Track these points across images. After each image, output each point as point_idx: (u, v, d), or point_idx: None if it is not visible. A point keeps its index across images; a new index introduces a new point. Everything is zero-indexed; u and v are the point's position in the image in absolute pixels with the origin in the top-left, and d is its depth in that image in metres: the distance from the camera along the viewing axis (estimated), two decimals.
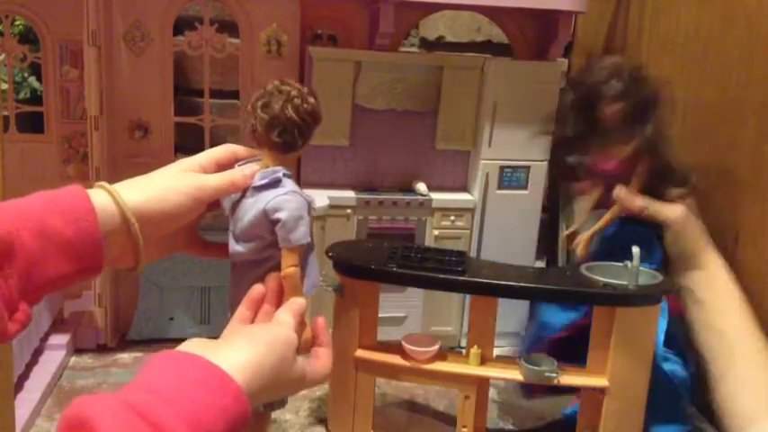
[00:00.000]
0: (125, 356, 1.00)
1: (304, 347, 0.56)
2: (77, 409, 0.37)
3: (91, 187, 0.52)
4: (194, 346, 0.46)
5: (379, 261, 0.79)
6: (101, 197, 0.51)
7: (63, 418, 0.38)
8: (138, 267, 0.55)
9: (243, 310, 0.57)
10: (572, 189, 1.00)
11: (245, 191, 0.60)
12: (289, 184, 0.59)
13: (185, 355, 0.44)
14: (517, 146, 1.04)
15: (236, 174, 0.59)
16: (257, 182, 0.59)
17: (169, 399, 0.39)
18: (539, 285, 0.77)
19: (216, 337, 1.11)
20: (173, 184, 0.56)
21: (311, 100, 0.59)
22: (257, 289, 0.58)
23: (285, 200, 0.58)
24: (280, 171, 0.59)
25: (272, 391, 0.49)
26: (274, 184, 0.59)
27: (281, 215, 0.57)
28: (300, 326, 0.56)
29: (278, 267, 0.59)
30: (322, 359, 0.57)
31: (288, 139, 0.58)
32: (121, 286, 1.04)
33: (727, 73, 0.95)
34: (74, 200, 0.49)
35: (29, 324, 0.47)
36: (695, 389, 0.85)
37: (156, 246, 0.57)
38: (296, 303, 0.56)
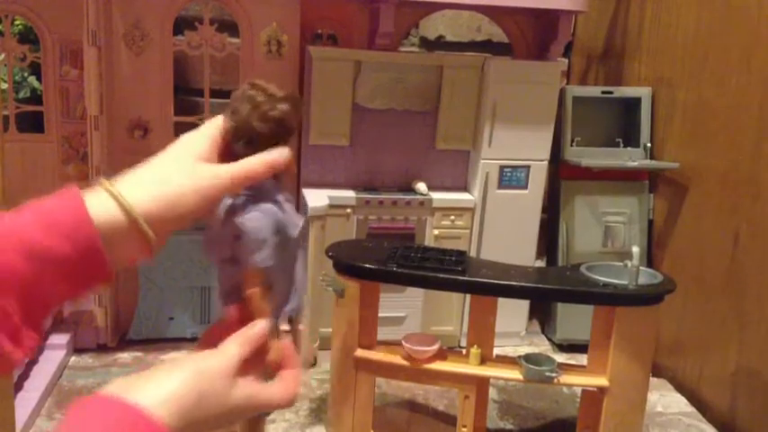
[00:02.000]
0: (125, 356, 1.00)
1: (267, 371, 0.52)
2: None
3: (90, 186, 0.48)
4: (117, 387, 0.41)
5: (379, 261, 0.79)
6: (101, 202, 0.47)
7: None
8: (150, 258, 0.50)
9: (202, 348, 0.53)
10: None
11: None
12: (263, 202, 0.54)
13: (102, 399, 0.40)
14: (517, 145, 1.04)
15: (256, 163, 0.51)
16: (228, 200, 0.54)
17: None
18: (539, 285, 0.77)
19: None
20: (187, 182, 0.50)
21: (281, 106, 0.53)
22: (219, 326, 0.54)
23: (249, 218, 0.53)
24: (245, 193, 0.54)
25: (205, 422, 0.45)
26: (250, 199, 0.54)
27: (243, 235, 0.53)
28: (261, 350, 0.50)
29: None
30: (285, 382, 0.53)
31: (253, 151, 0.51)
32: (121, 286, 1.04)
33: (727, 73, 0.95)
34: (69, 212, 0.45)
35: (36, 348, 0.45)
36: (694, 389, 0.85)
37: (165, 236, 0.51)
38: (251, 329, 0.50)
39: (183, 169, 0.51)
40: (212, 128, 0.53)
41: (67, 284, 0.45)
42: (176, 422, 0.41)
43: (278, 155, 0.52)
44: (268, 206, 0.54)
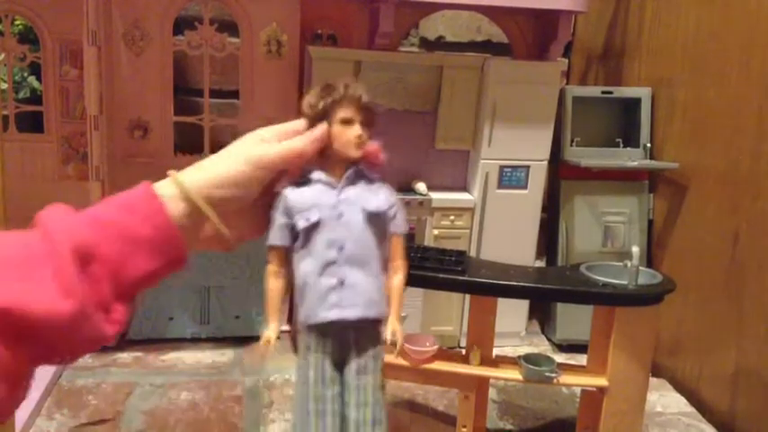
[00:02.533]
0: (125, 356, 1.00)
1: None
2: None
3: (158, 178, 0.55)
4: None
5: None
6: (168, 190, 0.53)
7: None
8: (234, 247, 0.58)
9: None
10: None
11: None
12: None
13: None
14: (517, 145, 1.04)
15: (299, 140, 0.58)
16: None
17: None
18: (538, 285, 0.77)
19: (214, 337, 1.11)
20: (238, 163, 0.56)
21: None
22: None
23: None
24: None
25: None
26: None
27: None
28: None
29: None
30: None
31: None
32: None
33: (726, 73, 0.95)
34: (143, 199, 0.51)
35: (126, 322, 0.49)
36: (693, 389, 0.85)
37: (247, 221, 0.59)
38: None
39: (233, 154, 0.56)
40: (271, 129, 0.59)
41: (151, 262, 0.50)
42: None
43: (318, 131, 0.58)
44: (287, 189, 0.59)
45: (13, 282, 0.44)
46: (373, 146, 0.63)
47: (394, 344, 0.57)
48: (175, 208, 0.52)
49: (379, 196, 0.62)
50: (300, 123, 0.59)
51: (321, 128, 0.58)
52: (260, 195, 0.59)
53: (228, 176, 0.55)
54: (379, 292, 0.61)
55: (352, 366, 0.61)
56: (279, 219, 0.60)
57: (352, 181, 0.62)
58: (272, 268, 0.61)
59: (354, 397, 0.61)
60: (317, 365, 0.61)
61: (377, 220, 0.61)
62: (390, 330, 0.58)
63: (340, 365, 0.62)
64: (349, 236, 0.60)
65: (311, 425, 0.61)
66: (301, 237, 0.61)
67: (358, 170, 0.63)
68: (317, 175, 0.61)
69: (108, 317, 0.48)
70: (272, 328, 0.61)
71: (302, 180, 0.61)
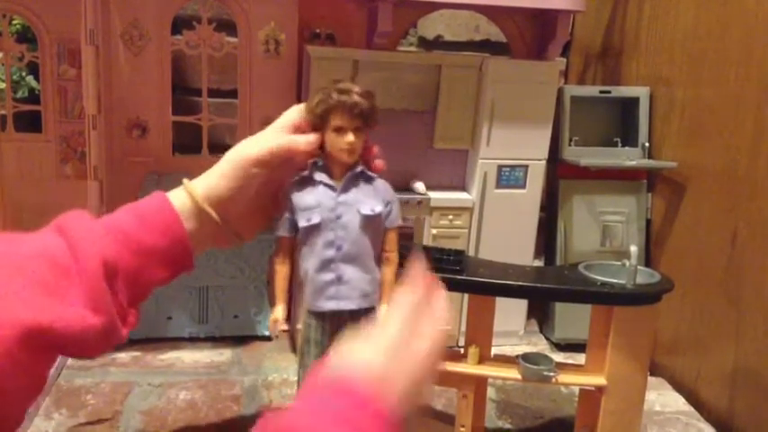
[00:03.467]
0: (123, 356, 1.00)
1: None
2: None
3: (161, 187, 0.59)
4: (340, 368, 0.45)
5: None
6: (181, 199, 0.57)
7: None
8: (241, 242, 0.62)
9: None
10: None
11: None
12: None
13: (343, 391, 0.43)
14: (515, 145, 1.04)
15: (297, 138, 0.64)
16: None
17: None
18: (537, 284, 0.77)
19: (213, 337, 1.11)
20: (236, 160, 0.60)
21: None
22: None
23: None
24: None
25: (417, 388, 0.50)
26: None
27: None
28: None
29: None
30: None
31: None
32: None
33: (725, 73, 0.95)
34: (162, 213, 0.55)
35: (136, 324, 0.54)
36: (692, 388, 0.85)
37: (250, 218, 0.63)
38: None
39: (232, 156, 0.60)
40: (271, 128, 0.64)
41: (162, 271, 0.54)
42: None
43: (306, 138, 0.63)
44: (293, 186, 0.66)
45: (45, 299, 0.45)
46: (373, 150, 0.67)
47: None
48: (187, 217, 0.56)
49: (375, 198, 0.67)
50: (294, 113, 0.65)
51: (312, 135, 0.63)
52: (258, 196, 0.62)
53: (227, 177, 0.59)
54: (372, 284, 0.67)
55: None
56: (284, 213, 0.67)
57: (352, 183, 0.66)
58: (278, 256, 0.68)
59: None
60: (319, 343, 0.69)
61: (372, 221, 0.66)
62: (383, 315, 0.64)
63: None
64: (346, 237, 0.66)
65: None
66: (303, 235, 0.66)
67: (356, 173, 0.67)
68: (319, 176, 0.67)
69: (124, 321, 0.51)
70: (278, 309, 0.68)
71: (307, 178, 0.66)
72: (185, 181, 0.59)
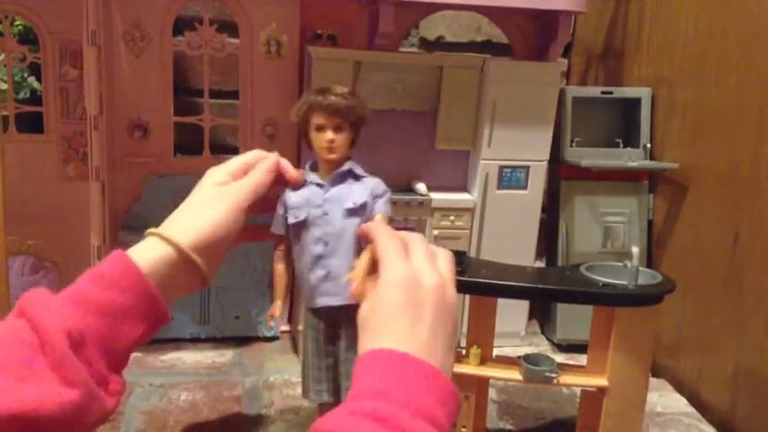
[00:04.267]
0: None
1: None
2: (320, 430, 0.39)
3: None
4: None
5: None
6: (151, 247, 0.54)
7: None
8: (207, 286, 0.59)
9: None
10: None
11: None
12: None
13: (377, 352, 0.45)
14: (516, 146, 1.04)
15: (258, 175, 0.61)
16: None
17: (387, 396, 0.41)
18: (538, 285, 0.77)
19: (214, 337, 1.11)
20: (216, 215, 0.58)
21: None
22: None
23: None
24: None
25: (450, 347, 0.52)
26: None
27: None
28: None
29: None
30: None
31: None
32: None
33: (727, 73, 0.95)
34: (120, 271, 0.52)
35: (123, 391, 0.50)
36: (693, 389, 0.85)
37: (216, 258, 0.60)
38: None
39: (209, 197, 0.59)
40: (236, 160, 0.62)
41: (135, 328, 0.52)
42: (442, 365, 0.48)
43: (267, 163, 0.62)
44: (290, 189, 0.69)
45: (14, 384, 0.43)
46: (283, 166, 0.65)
47: None
48: (160, 268, 0.54)
49: (361, 193, 0.69)
50: (252, 154, 0.63)
51: (271, 158, 0.62)
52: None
53: (212, 227, 0.57)
54: None
55: (343, 342, 0.72)
56: (279, 211, 0.70)
57: (339, 180, 0.69)
58: (277, 253, 0.72)
59: (344, 369, 0.72)
60: (314, 339, 0.72)
61: (355, 214, 0.68)
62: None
63: (334, 341, 0.72)
64: (332, 232, 0.68)
65: (310, 389, 0.74)
66: (293, 233, 0.68)
67: (344, 171, 0.70)
68: (310, 177, 0.69)
69: (107, 389, 0.48)
70: (276, 305, 0.71)
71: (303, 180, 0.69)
72: (154, 231, 0.56)
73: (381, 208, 0.70)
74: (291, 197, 0.69)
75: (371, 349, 0.45)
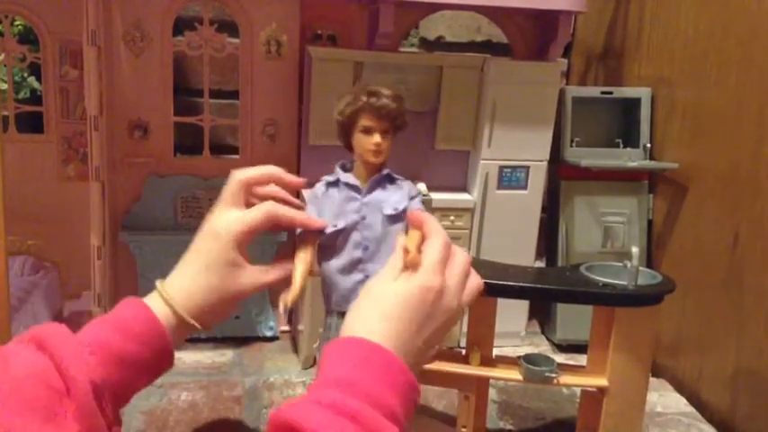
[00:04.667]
0: None
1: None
2: (283, 419, 0.41)
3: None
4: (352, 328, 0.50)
5: None
6: (160, 307, 0.58)
7: (272, 428, 0.42)
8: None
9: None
10: None
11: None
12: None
13: (349, 340, 0.48)
14: (517, 146, 1.04)
15: (260, 209, 0.63)
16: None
17: (351, 384, 0.43)
18: (538, 285, 0.77)
19: (214, 337, 1.11)
20: (215, 284, 0.60)
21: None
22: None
23: None
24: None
25: (424, 350, 0.53)
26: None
27: None
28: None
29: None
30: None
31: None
32: (121, 286, 1.04)
33: (727, 74, 0.95)
34: (144, 324, 0.55)
35: None
36: (693, 389, 0.85)
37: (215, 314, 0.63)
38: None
39: (213, 253, 0.60)
40: (229, 188, 0.64)
41: (145, 379, 0.55)
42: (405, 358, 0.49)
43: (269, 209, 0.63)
44: (320, 187, 0.69)
45: (39, 426, 0.44)
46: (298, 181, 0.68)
47: None
48: (169, 325, 0.57)
49: (399, 196, 0.68)
50: (232, 183, 0.64)
51: (268, 206, 0.63)
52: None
53: (212, 287, 0.59)
54: None
55: None
56: (310, 211, 0.67)
57: (377, 185, 0.68)
58: (300, 253, 0.66)
59: None
60: None
61: (396, 220, 0.67)
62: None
63: None
64: (372, 236, 0.67)
65: None
66: (328, 238, 0.66)
67: (382, 176, 0.68)
68: (344, 177, 0.67)
69: None
70: (294, 290, 0.65)
71: (332, 182, 0.67)
72: (160, 287, 0.60)
73: (417, 206, 0.70)
74: (324, 201, 0.68)
75: (349, 337, 0.48)
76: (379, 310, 0.50)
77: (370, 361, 0.46)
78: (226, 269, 0.60)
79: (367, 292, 0.53)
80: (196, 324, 0.58)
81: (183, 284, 0.60)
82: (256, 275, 0.62)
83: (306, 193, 0.67)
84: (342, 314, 0.68)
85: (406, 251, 0.53)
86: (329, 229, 0.66)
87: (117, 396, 0.51)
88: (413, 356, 0.50)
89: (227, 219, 0.61)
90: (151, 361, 0.54)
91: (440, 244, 0.54)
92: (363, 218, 0.67)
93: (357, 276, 0.68)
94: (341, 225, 0.66)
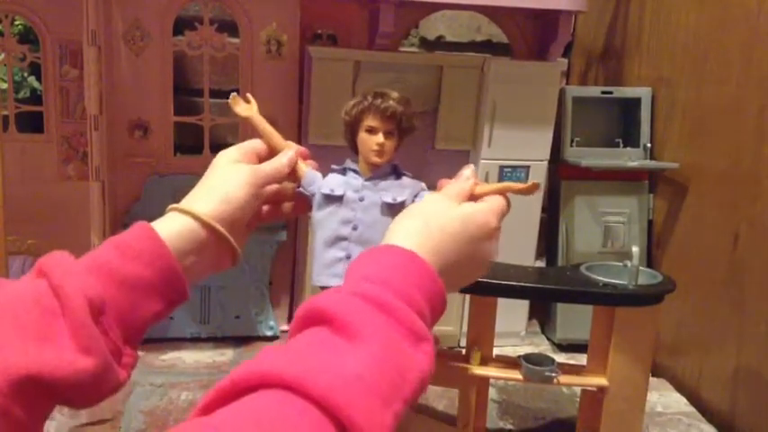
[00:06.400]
0: None
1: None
2: (311, 306, 0.41)
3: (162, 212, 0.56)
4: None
5: None
6: (174, 221, 0.54)
7: (298, 318, 0.42)
8: (237, 263, 0.59)
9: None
10: None
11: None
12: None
13: (387, 247, 0.49)
14: (517, 145, 1.04)
15: (279, 159, 0.64)
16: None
17: (384, 282, 0.44)
18: (539, 285, 0.77)
19: (214, 337, 1.11)
20: (232, 187, 0.58)
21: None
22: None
23: None
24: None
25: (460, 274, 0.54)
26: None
27: None
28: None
29: None
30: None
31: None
32: None
33: (727, 73, 0.95)
34: (144, 242, 0.51)
35: (135, 365, 0.50)
36: (693, 389, 0.85)
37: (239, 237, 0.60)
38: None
39: (227, 173, 0.59)
40: (246, 144, 0.64)
41: (154, 304, 0.51)
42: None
43: (287, 156, 0.65)
44: (328, 174, 0.68)
45: (32, 345, 0.43)
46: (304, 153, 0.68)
47: None
48: (186, 240, 0.53)
49: (400, 189, 0.68)
50: (260, 143, 0.66)
51: (291, 154, 0.65)
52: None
53: (236, 197, 0.57)
54: None
55: None
56: (306, 183, 0.68)
57: (380, 175, 0.68)
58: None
59: None
60: None
61: (392, 210, 0.67)
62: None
63: None
64: (364, 219, 0.67)
65: None
66: (322, 202, 0.66)
67: (386, 169, 0.69)
68: (351, 165, 0.67)
69: (120, 362, 0.47)
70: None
71: (339, 170, 0.68)
72: (176, 207, 0.56)
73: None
74: (328, 179, 0.68)
75: (386, 245, 0.49)
76: (433, 226, 0.51)
77: (407, 266, 0.46)
78: (242, 174, 0.59)
79: (418, 209, 0.55)
80: (222, 230, 0.55)
81: (202, 197, 0.57)
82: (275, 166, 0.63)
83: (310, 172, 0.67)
84: (322, 289, 0.68)
85: (476, 182, 0.58)
86: (325, 190, 0.66)
87: (123, 320, 0.48)
88: (445, 277, 0.49)
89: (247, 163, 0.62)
90: (157, 284, 0.50)
91: (503, 201, 0.61)
92: (361, 199, 0.67)
93: (338, 253, 0.67)
94: (338, 192, 0.67)
